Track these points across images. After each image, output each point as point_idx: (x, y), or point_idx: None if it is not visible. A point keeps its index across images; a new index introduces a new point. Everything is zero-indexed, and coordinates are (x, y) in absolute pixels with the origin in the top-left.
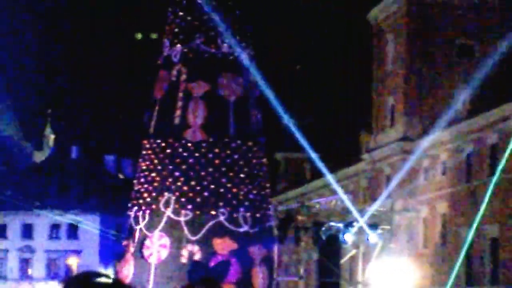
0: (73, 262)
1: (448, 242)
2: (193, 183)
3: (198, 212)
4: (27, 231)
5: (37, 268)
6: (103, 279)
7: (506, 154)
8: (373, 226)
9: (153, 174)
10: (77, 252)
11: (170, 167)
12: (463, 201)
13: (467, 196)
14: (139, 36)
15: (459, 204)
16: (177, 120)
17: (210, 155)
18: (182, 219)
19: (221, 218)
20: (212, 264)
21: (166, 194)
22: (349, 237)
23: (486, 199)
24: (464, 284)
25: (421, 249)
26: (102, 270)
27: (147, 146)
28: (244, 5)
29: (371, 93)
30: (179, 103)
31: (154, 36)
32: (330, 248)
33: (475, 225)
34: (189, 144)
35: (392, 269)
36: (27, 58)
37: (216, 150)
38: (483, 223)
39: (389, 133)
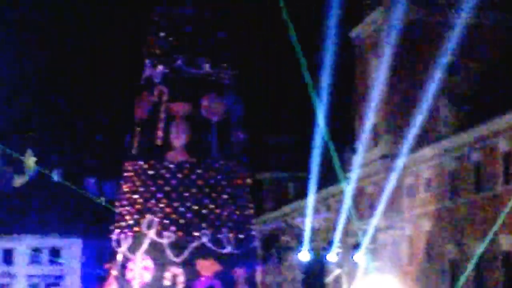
0: None
1: (433, 260)
2: (176, 204)
3: (181, 234)
4: (7, 256)
5: None
6: None
7: None
8: (357, 245)
9: (135, 196)
10: (59, 277)
11: (153, 188)
12: (447, 218)
13: (451, 213)
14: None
15: (444, 221)
16: (159, 141)
17: (193, 176)
18: (165, 241)
19: (204, 239)
20: (196, 286)
21: (148, 216)
22: (333, 256)
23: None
24: None
25: (406, 267)
26: None
27: (129, 168)
28: (227, 26)
29: (354, 111)
30: (161, 124)
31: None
32: (314, 268)
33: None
34: (172, 165)
35: None
36: (6, 80)
37: (199, 171)
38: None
39: (372, 152)
